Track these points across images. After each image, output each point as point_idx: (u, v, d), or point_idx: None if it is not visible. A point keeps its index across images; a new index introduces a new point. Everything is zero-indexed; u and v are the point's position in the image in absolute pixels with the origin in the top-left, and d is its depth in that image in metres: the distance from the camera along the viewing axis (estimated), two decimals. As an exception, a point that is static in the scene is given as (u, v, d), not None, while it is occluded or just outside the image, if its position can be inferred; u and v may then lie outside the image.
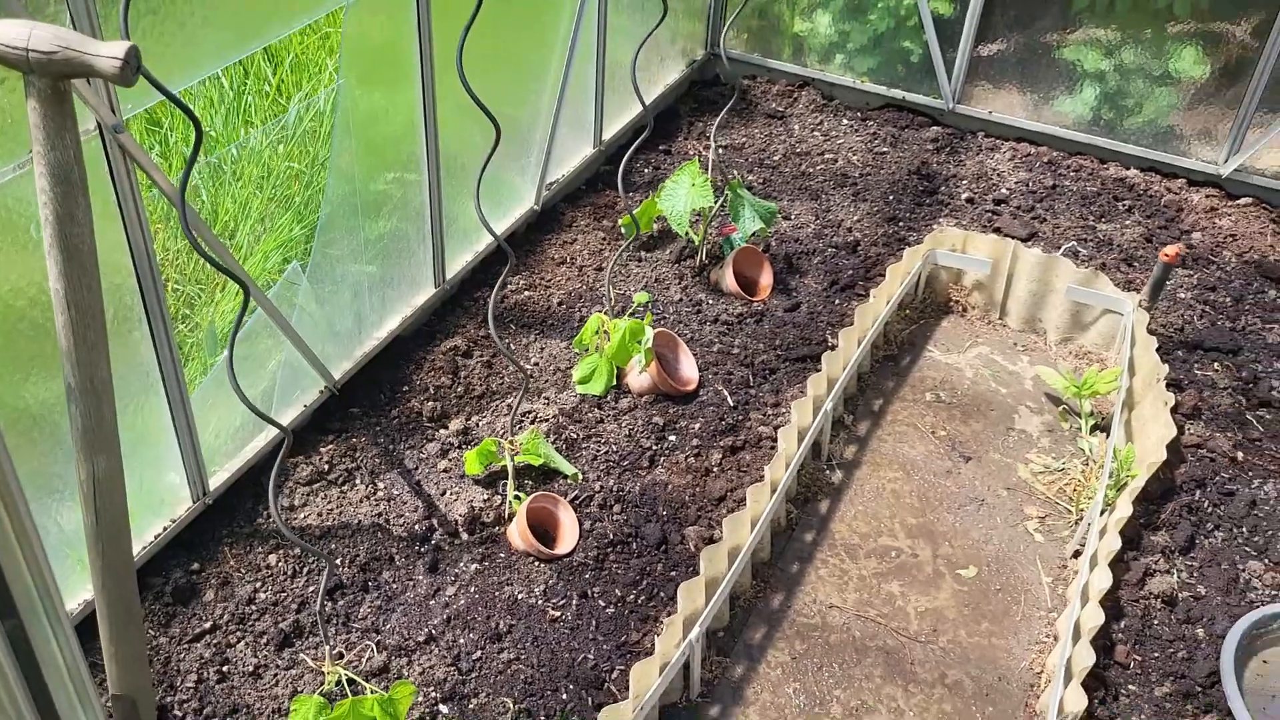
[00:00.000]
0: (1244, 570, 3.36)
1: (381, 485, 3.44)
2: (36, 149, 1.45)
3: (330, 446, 3.53)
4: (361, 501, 3.37)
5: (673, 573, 3.23)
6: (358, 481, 3.44)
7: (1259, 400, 3.99)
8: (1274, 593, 3.29)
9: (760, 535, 3.27)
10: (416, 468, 3.51)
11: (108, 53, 1.43)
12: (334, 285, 3.54)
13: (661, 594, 3.18)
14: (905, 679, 3.14)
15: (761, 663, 3.15)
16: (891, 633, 3.27)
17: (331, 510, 3.33)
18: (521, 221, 4.56)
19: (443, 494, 3.43)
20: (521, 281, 4.34)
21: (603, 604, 3.14)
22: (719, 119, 4.44)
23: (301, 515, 3.30)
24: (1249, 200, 5.15)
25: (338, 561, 3.16)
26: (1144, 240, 4.81)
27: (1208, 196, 5.16)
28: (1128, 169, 5.32)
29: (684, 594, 2.95)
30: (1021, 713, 3.05)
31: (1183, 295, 4.49)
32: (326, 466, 3.46)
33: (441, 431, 3.65)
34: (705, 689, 3.05)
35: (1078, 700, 2.77)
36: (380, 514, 3.34)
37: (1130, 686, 3.02)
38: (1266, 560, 3.40)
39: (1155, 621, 3.19)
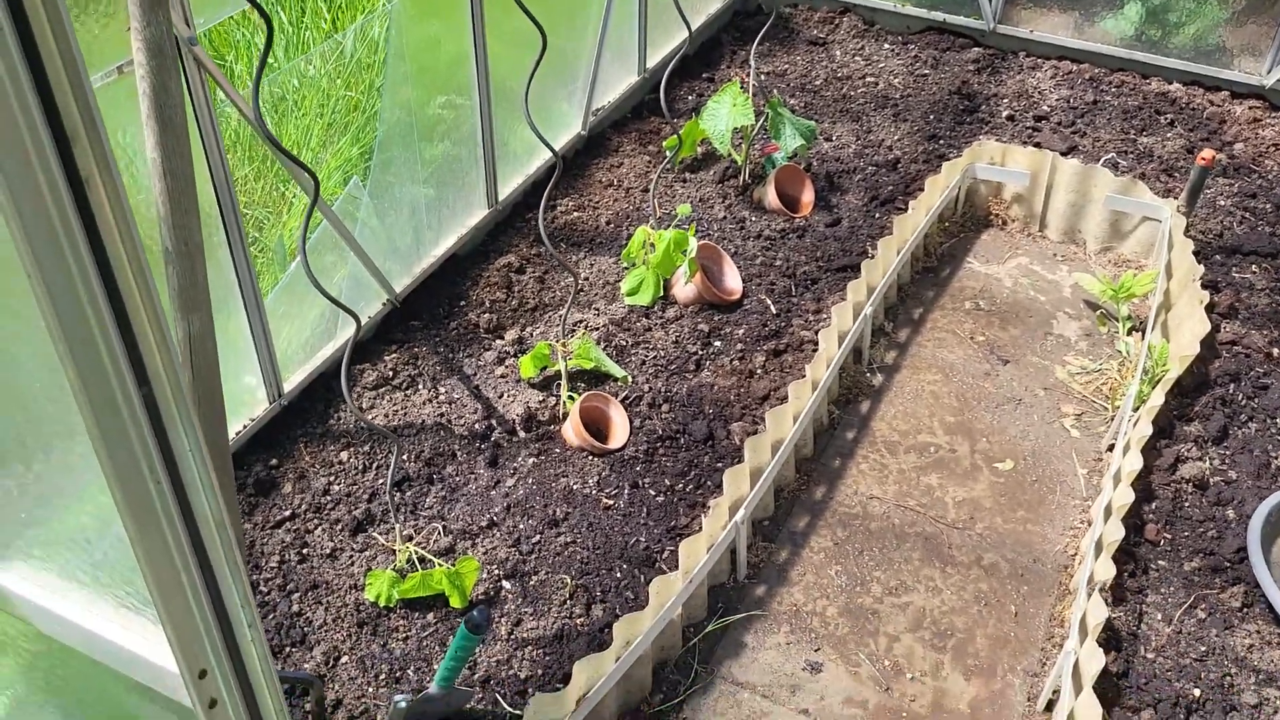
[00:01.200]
0: (1276, 458, 3.46)
1: (443, 390, 3.65)
2: (134, 25, 1.63)
3: (394, 355, 3.74)
4: (424, 404, 3.58)
5: (719, 464, 3.40)
6: (420, 387, 3.65)
7: (1296, 300, 4.05)
8: (1305, 478, 3.39)
9: (802, 430, 3.43)
10: (475, 374, 3.71)
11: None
12: (393, 204, 3.73)
13: (709, 483, 3.36)
14: (943, 561, 3.29)
15: (805, 548, 3.32)
16: (930, 520, 3.42)
17: (397, 412, 3.54)
18: (569, 147, 4.72)
19: (500, 396, 3.63)
20: (570, 203, 4.51)
21: (653, 493, 3.33)
22: (758, 39, 4.54)
23: (369, 416, 3.52)
24: (1293, 111, 5.15)
25: (404, 458, 3.37)
26: (1185, 152, 4.85)
27: (1251, 108, 5.17)
28: (1170, 84, 5.34)
29: (729, 480, 3.12)
30: (1055, 590, 3.19)
31: (1223, 203, 4.53)
32: (391, 373, 3.67)
33: (498, 341, 3.84)
34: (751, 571, 3.22)
35: (1107, 570, 2.91)
36: (442, 414, 3.54)
37: (1160, 562, 3.14)
38: (1299, 448, 3.49)
39: (1186, 503, 3.31)
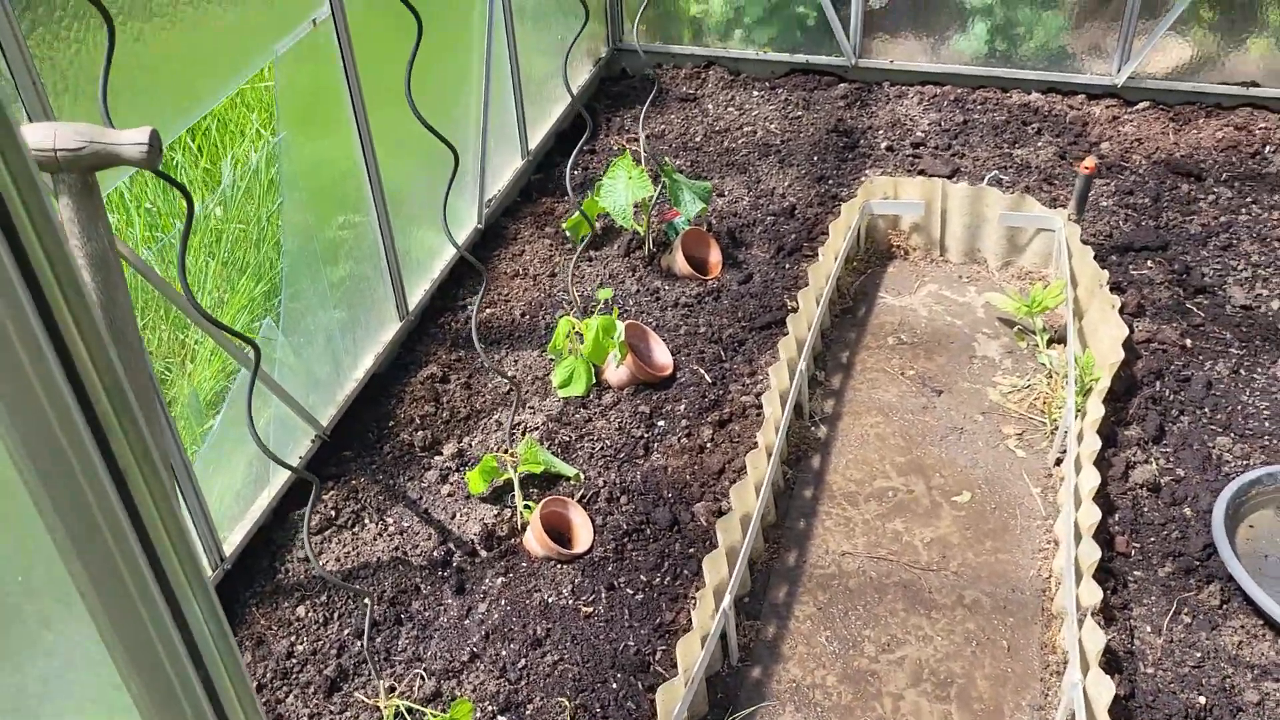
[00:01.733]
0: (1214, 447, 3.58)
1: (390, 520, 3.49)
2: (73, 243, 1.50)
3: (332, 492, 3.57)
4: (375, 540, 3.42)
5: (691, 550, 3.34)
6: (366, 521, 3.49)
7: (1194, 288, 4.23)
8: (1245, 463, 3.51)
9: (765, 502, 3.39)
10: (420, 497, 3.57)
11: (131, 140, 1.48)
12: (307, 335, 3.58)
13: (685, 571, 3.29)
14: (927, 607, 3.29)
15: (790, 619, 3.27)
16: (904, 567, 3.42)
17: (348, 554, 3.37)
18: (468, 242, 4.63)
19: (453, 517, 3.49)
20: (482, 300, 4.40)
21: (631, 592, 3.24)
22: (644, 109, 4.55)
23: (320, 563, 3.34)
24: (1146, 104, 5.42)
25: (366, 602, 3.21)
26: (1058, 158, 5.04)
27: (1108, 107, 5.42)
28: (1030, 94, 5.55)
29: (708, 566, 3.06)
30: (1039, 617, 3.22)
31: (1105, 203, 4.72)
32: (333, 513, 3.50)
33: (437, 458, 3.70)
34: (743, 653, 3.16)
35: (1093, 593, 2.95)
36: (396, 548, 3.39)
37: (1135, 573, 3.21)
38: (1232, 434, 3.62)
39: (1145, 509, 3.39)
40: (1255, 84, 5.32)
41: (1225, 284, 4.25)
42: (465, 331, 4.24)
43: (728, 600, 3.03)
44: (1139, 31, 5.31)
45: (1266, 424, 3.65)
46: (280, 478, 3.49)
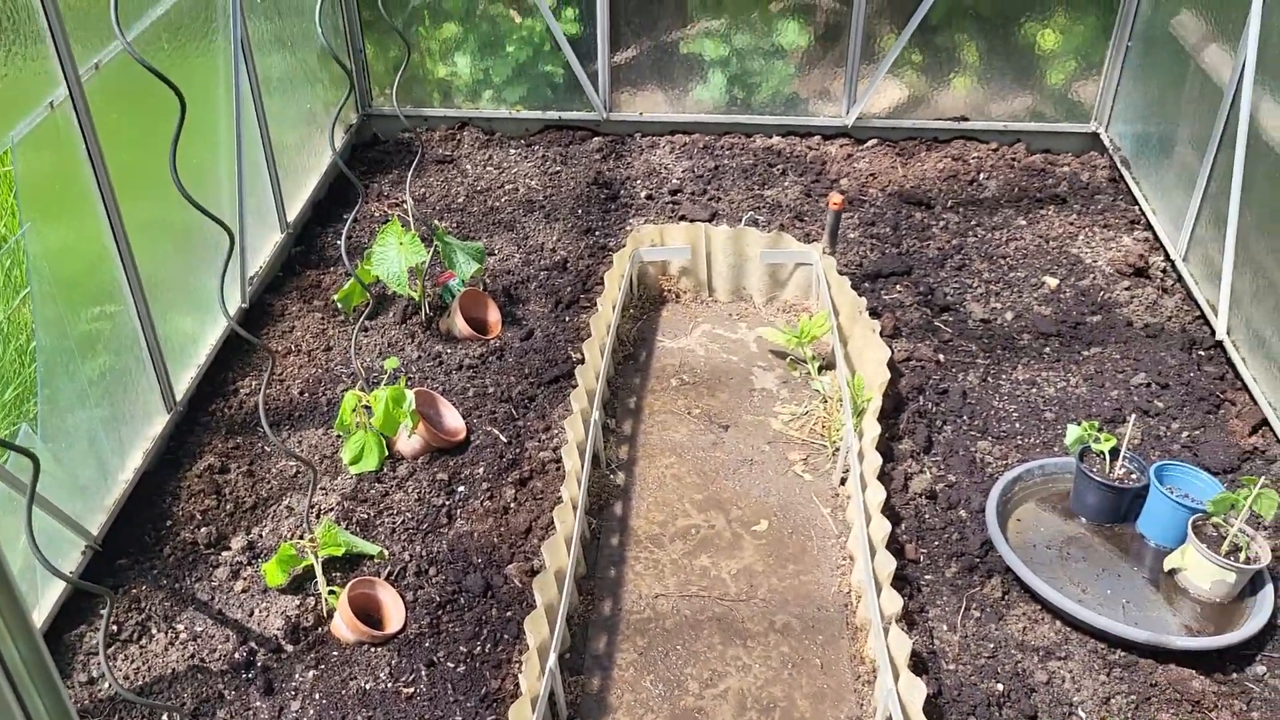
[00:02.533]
0: (976, 451, 3.89)
1: (181, 627, 3.26)
2: None
3: (113, 606, 3.29)
4: (167, 650, 3.18)
5: (508, 613, 3.30)
6: (154, 631, 3.24)
7: (940, 307, 4.59)
8: (1004, 462, 3.83)
9: (576, 555, 3.40)
10: (212, 598, 3.35)
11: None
12: (68, 440, 3.30)
13: (505, 636, 3.24)
14: (742, 637, 3.38)
15: (613, 668, 3.29)
16: (716, 601, 3.51)
17: (138, 670, 3.12)
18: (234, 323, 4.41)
19: (250, 614, 3.30)
20: (253, 382, 4.21)
21: (452, 665, 3.16)
22: (410, 173, 4.51)
23: (107, 685, 3.07)
24: (875, 141, 5.87)
25: (165, 718, 2.97)
26: (805, 196, 5.37)
27: (842, 146, 5.83)
28: (771, 137, 5.89)
29: (529, 627, 3.03)
30: (845, 631, 3.38)
31: (852, 235, 5.06)
32: (115, 627, 3.23)
33: (225, 554, 3.49)
34: (571, 710, 3.14)
35: (894, 601, 3.13)
36: (192, 655, 3.17)
37: (926, 576, 3.43)
38: (990, 438, 3.95)
39: (926, 516, 3.63)
40: (965, 118, 5.87)
41: (965, 301, 4.65)
42: (240, 417, 4.03)
43: (553, 659, 3.01)
44: (862, 75, 5.76)
45: (1016, 425, 4.00)
46: (50, 597, 3.19)
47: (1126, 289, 4.70)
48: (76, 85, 3.17)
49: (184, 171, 2.80)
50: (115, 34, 2.76)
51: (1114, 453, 3.56)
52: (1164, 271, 4.82)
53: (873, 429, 3.74)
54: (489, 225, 5.23)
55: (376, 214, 5.31)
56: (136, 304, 3.63)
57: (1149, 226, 5.08)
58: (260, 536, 3.56)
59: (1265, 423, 3.93)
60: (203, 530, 3.55)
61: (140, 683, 3.08)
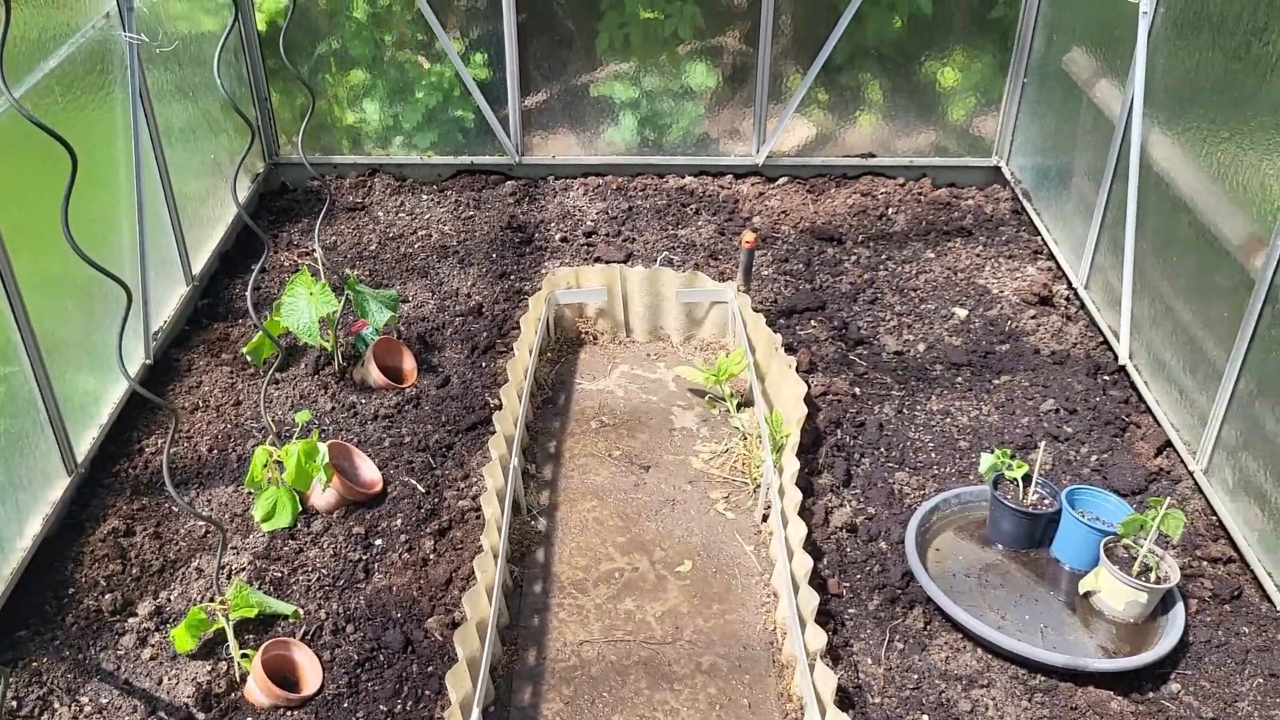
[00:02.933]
0: (894, 483, 3.93)
1: (86, 700, 3.12)
2: None
3: (11, 680, 3.14)
4: (70, 725, 3.04)
5: (430, 668, 3.22)
6: (57, 706, 3.09)
7: (854, 341, 4.65)
8: (921, 493, 3.88)
9: (498, 605, 3.35)
10: (118, 667, 3.22)
11: None
12: (-41, 507, 3.16)
13: (426, 692, 3.16)
14: (669, 680, 3.35)
15: (539, 719, 3.23)
16: (641, 645, 3.47)
17: (39, 747, 2.98)
18: (136, 380, 4.28)
19: (159, 683, 3.17)
20: (160, 441, 4.08)
21: (372, 726, 3.07)
22: (319, 221, 4.44)
23: (4, 766, 2.92)
24: (785, 179, 5.95)
25: (68, 797, 2.84)
26: (718, 234, 5.42)
27: (753, 184, 5.90)
28: (683, 177, 5.95)
29: (451, 682, 2.96)
30: (772, 669, 3.37)
31: (767, 272, 5.11)
32: (15, 704, 3.08)
33: (131, 620, 3.36)
34: (497, 765, 3.08)
35: (818, 638, 3.13)
36: (97, 730, 3.03)
37: (850, 610, 3.44)
38: (907, 469, 4.00)
39: (848, 549, 3.65)
40: (872, 154, 5.99)
41: (878, 334, 4.71)
42: (145, 477, 3.90)
43: (476, 714, 2.94)
44: (770, 115, 5.85)
45: (933, 455, 4.06)
46: (-57, 676, 3.03)
47: (1033, 318, 4.82)
48: (-37, 141, 3.07)
49: (82, 225, 2.72)
50: (0, 89, 2.68)
51: (1026, 479, 3.62)
52: (1067, 299, 4.95)
53: (792, 464, 3.76)
54: (402, 272, 5.17)
55: (286, 264, 5.22)
56: (33, 364, 3.50)
57: (1051, 256, 5.23)
58: (169, 601, 3.44)
59: (1169, 444, 4.04)
60: (107, 597, 3.41)
61: (41, 762, 2.94)
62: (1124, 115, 4.45)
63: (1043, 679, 3.20)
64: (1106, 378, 4.45)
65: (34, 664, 3.21)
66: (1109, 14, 4.68)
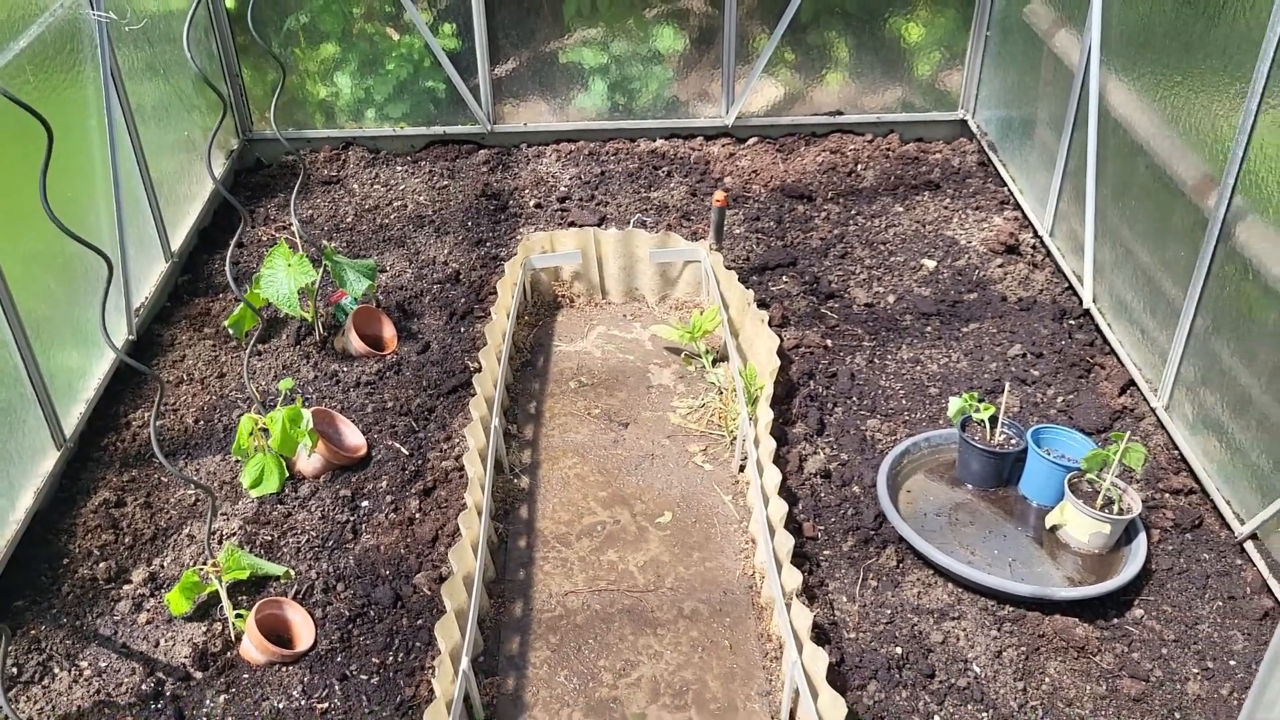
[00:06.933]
0: (866, 429, 4.03)
1: (85, 664, 3.21)
2: None
3: (11, 648, 3.23)
4: (71, 688, 3.13)
5: (419, 621, 3.32)
6: (57, 671, 3.18)
7: (825, 294, 4.75)
8: (893, 439, 3.98)
9: (483, 558, 3.44)
10: (115, 632, 3.31)
11: None
12: (-48, 482, 3.24)
13: (416, 644, 3.26)
14: (652, 626, 3.46)
15: (528, 667, 3.33)
16: (625, 594, 3.58)
17: (43, 710, 3.06)
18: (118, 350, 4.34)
19: (156, 645, 3.26)
20: (147, 414, 4.15)
21: (365, 677, 3.17)
22: (294, 194, 4.49)
23: (9, 728, 3.01)
24: (755, 139, 6.02)
25: (73, 755, 2.93)
26: (690, 195, 5.49)
27: (724, 146, 5.97)
28: (655, 141, 6.01)
29: (440, 632, 3.06)
30: (752, 611, 3.48)
31: (738, 230, 5.19)
32: (15, 670, 3.17)
33: (126, 587, 3.45)
34: (488, 712, 3.18)
35: (794, 578, 3.24)
36: (98, 691, 3.12)
37: (825, 552, 3.55)
38: (879, 416, 4.10)
39: (822, 494, 3.76)
40: (840, 112, 6.06)
41: (849, 287, 4.81)
42: (134, 450, 3.98)
43: (465, 662, 3.04)
44: (739, 76, 5.91)
45: (903, 402, 4.16)
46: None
47: (1000, 266, 4.92)
48: (-62, 121, 3.11)
49: (60, 203, 2.77)
50: (-25, 66, 2.73)
51: (993, 421, 3.73)
52: (1033, 248, 5.05)
53: (766, 415, 3.86)
54: (379, 243, 5.23)
55: (264, 239, 5.27)
56: (17, 340, 3.56)
57: (1018, 206, 5.32)
58: (162, 567, 3.52)
59: (1132, 383, 4.16)
60: (101, 565, 3.50)
61: (45, 723, 3.03)
62: (1082, 63, 4.54)
63: (1011, 609, 3.32)
64: (1072, 322, 4.56)
65: (32, 631, 3.29)
66: (1066, -36, 4.76)
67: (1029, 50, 5.23)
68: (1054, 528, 3.54)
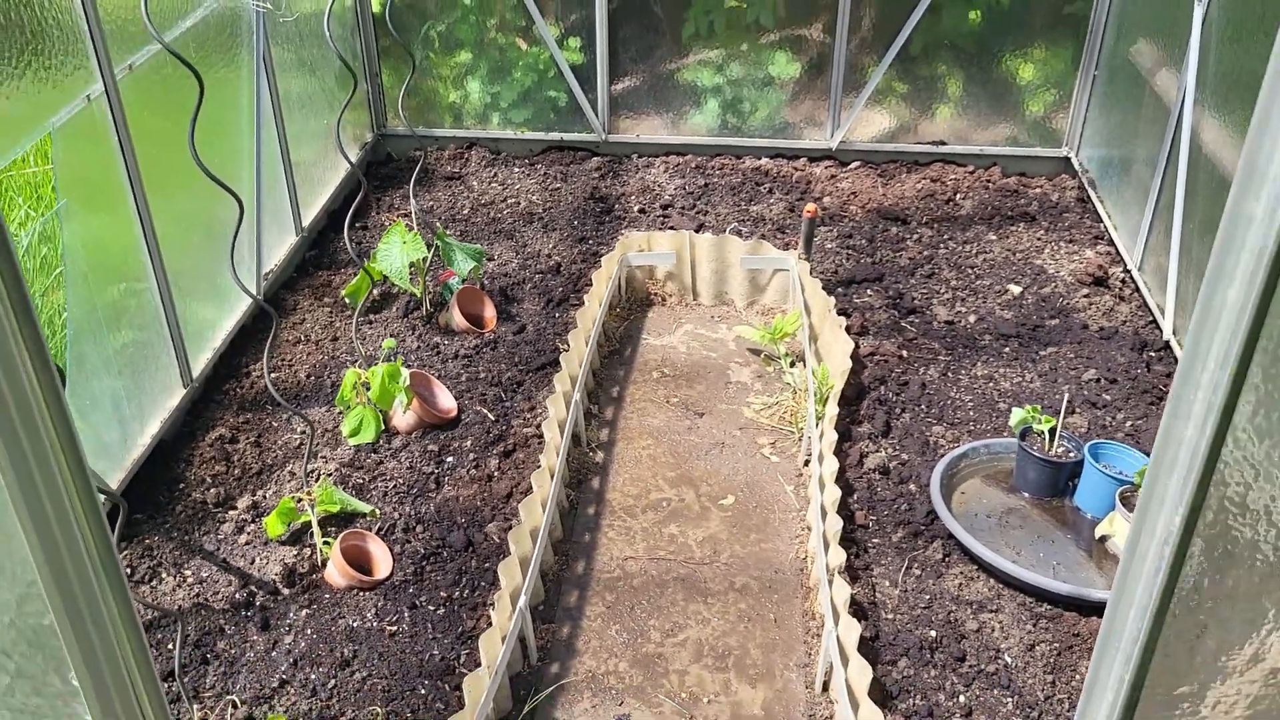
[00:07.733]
0: (930, 435, 4.17)
1: (189, 572, 3.57)
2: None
3: (126, 552, 3.62)
4: (174, 590, 3.50)
5: (486, 565, 3.60)
6: (164, 575, 3.56)
7: (906, 310, 4.90)
8: (954, 444, 4.11)
9: (551, 516, 3.70)
10: (218, 549, 3.67)
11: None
12: (94, 401, 3.65)
13: (481, 583, 3.54)
14: (703, 594, 3.66)
15: (583, 619, 3.57)
16: (681, 564, 3.79)
17: (148, 606, 3.43)
18: (247, 314, 4.77)
19: (251, 562, 3.61)
20: (263, 366, 4.55)
21: (432, 608, 3.45)
22: (413, 179, 4.87)
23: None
24: (857, 164, 6.21)
25: (169, 646, 3.28)
26: (788, 211, 5.71)
27: (826, 168, 6.17)
28: (760, 159, 6.25)
29: (503, 572, 3.32)
30: (800, 591, 3.65)
31: (830, 246, 5.38)
32: (129, 570, 3.55)
33: (231, 512, 3.82)
34: (541, 653, 3.42)
35: (838, 556, 3.40)
36: (197, 595, 3.48)
37: (874, 540, 3.70)
38: (944, 424, 4.23)
39: (878, 489, 3.91)
40: (943, 143, 6.21)
41: (931, 305, 4.95)
42: (251, 396, 4.37)
43: (523, 601, 3.29)
44: (845, 104, 6.12)
45: (970, 413, 4.28)
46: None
47: (1085, 296, 4.99)
48: (111, 81, 3.56)
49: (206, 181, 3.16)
50: (150, 33, 3.15)
51: (1053, 433, 3.83)
52: (1122, 281, 5.11)
53: (832, 409, 4.03)
54: (491, 234, 5.59)
55: (386, 223, 5.69)
56: (160, 286, 3.99)
57: (1111, 241, 5.38)
58: (264, 498, 3.88)
59: (1203, 413, 4.18)
60: (212, 491, 3.88)
61: (149, 618, 3.39)
62: (1178, 101, 4.62)
63: (1049, 608, 3.41)
64: (1152, 354, 4.60)
65: (146, 541, 3.68)
66: (1171, 2, 4.84)
67: (1133, 89, 5.31)
68: (1103, 538, 3.62)
